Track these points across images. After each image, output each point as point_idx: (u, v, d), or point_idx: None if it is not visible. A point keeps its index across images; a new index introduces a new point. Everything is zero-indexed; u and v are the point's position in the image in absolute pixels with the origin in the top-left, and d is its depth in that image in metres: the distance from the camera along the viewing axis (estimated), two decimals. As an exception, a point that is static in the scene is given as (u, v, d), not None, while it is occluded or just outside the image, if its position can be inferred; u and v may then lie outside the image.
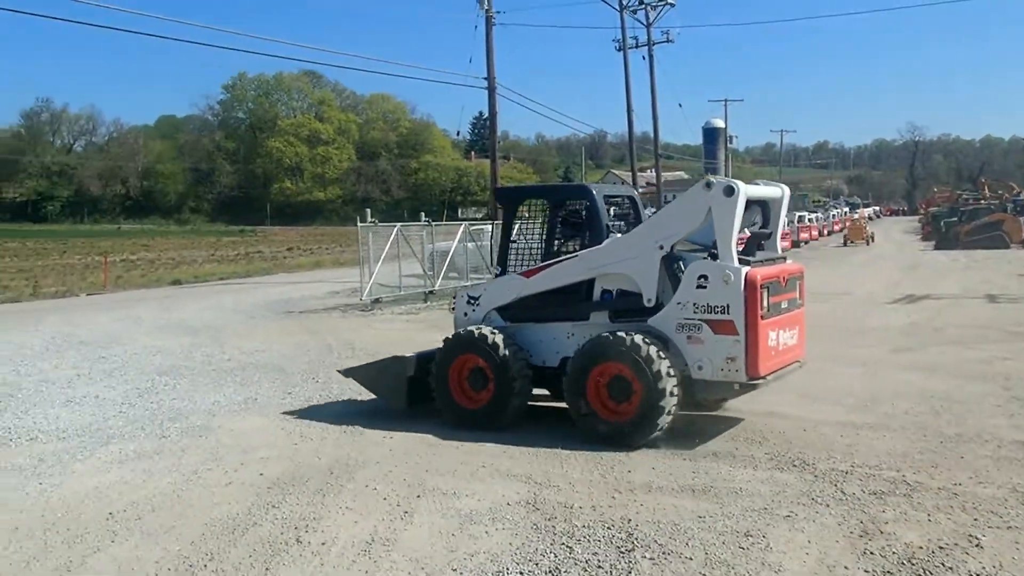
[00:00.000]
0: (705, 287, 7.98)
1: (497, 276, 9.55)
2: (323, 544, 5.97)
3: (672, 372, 7.92)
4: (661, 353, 7.94)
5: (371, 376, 10.04)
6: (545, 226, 9.39)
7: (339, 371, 10.89)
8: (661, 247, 8.32)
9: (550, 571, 5.44)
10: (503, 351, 8.74)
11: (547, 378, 9.12)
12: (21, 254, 52.77)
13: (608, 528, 6.08)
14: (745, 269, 7.94)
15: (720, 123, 75.31)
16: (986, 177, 74.63)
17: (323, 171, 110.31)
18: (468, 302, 9.55)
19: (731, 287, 7.87)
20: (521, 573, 5.42)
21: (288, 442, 8.72)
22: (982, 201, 56.35)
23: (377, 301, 22.66)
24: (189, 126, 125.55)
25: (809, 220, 56.87)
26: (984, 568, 5.28)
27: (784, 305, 8.49)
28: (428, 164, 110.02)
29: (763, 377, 8.05)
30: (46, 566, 5.71)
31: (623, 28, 43.37)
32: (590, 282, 8.79)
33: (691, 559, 5.54)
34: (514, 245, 9.58)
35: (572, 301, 8.88)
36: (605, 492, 6.87)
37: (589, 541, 5.88)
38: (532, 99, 65.64)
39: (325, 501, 6.85)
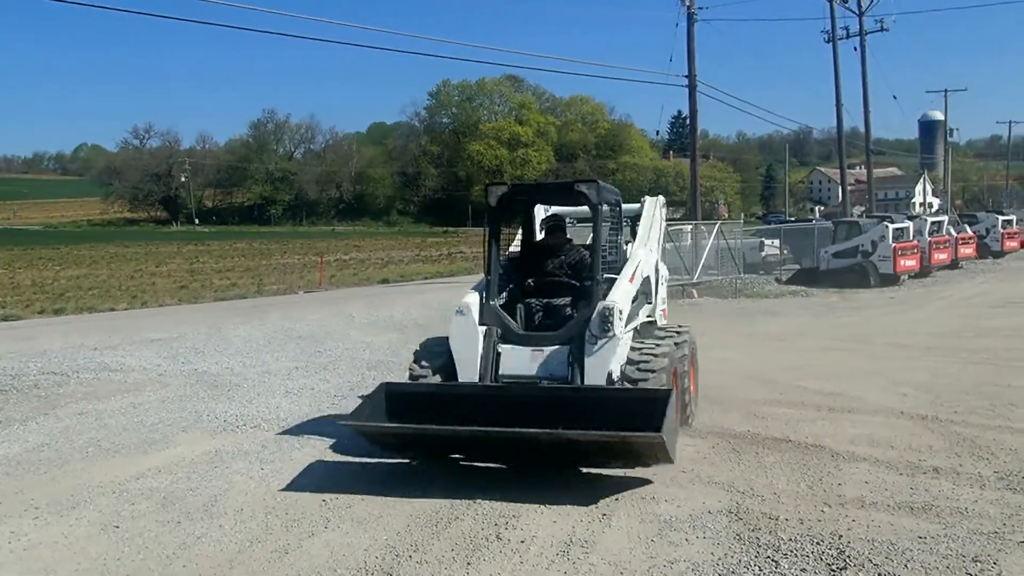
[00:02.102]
0: None
1: None
2: (522, 542, 6.03)
3: None
4: None
5: None
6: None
7: None
8: None
9: (754, 585, 5.22)
10: None
11: None
12: (248, 254, 57.27)
13: (817, 544, 5.76)
14: None
15: (939, 115, 70.39)
16: None
17: (522, 173, 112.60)
18: None
19: None
20: (723, 585, 5.24)
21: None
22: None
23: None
24: (397, 132, 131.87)
25: (1017, 224, 48.47)
26: None
27: None
28: (626, 164, 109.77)
29: None
30: (266, 547, 6.11)
31: (832, 18, 41.19)
32: None
33: (912, 584, 5.15)
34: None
35: None
36: (813, 505, 6.53)
37: (796, 556, 5.60)
38: (733, 95, 64.03)
39: (523, 499, 6.91)
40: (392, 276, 36.35)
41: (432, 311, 22.05)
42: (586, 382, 7.76)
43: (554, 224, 9.13)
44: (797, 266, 31.58)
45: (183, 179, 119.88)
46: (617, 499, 6.80)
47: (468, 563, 5.71)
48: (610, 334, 7.82)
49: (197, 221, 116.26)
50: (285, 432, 9.44)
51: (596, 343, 7.85)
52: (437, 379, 8.25)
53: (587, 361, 7.83)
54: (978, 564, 5.36)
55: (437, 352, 8.50)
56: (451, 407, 7.54)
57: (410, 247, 64.26)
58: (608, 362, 7.84)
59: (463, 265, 43.60)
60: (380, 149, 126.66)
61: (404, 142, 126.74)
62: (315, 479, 7.63)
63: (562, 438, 6.88)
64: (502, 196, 8.63)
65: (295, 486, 7.46)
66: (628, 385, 7.80)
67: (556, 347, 8.04)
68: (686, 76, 31.94)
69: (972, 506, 6.41)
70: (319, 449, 8.67)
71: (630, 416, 6.91)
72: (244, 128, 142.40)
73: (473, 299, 8.32)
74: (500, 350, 8.14)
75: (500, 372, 8.07)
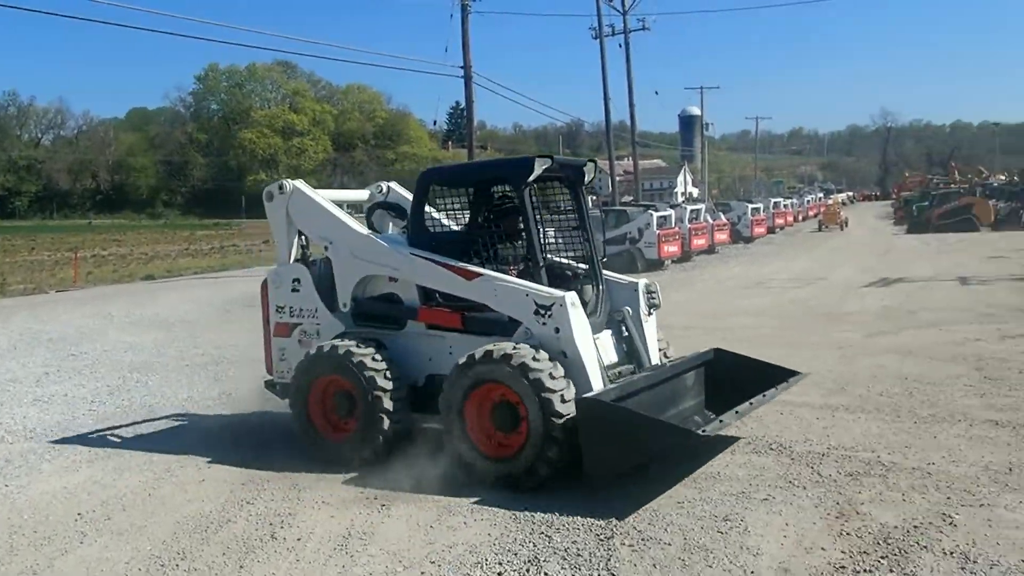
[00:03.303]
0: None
1: None
2: (299, 540, 5.89)
3: None
4: None
5: None
6: None
7: None
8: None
9: (529, 560, 5.40)
10: None
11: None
12: (-11, 251, 51.97)
13: (588, 516, 6.04)
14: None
15: (696, 111, 75.73)
16: (956, 162, 75.17)
17: (298, 163, 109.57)
18: None
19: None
20: (500, 563, 5.38)
21: (264, 436, 8.60)
22: (952, 185, 56.80)
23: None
24: (161, 118, 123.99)
25: (784, 206, 56.97)
26: (958, 545, 5.31)
27: None
28: (405, 155, 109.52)
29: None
30: (11, 570, 5.59)
31: (599, 15, 43.26)
32: None
33: (670, 544, 5.52)
34: None
35: None
36: (583, 481, 6.82)
37: (568, 529, 5.85)
38: (509, 88, 65.59)
39: (301, 496, 6.76)
40: (158, 272, 34.21)
41: (202, 307, 21.03)
42: (650, 361, 7.74)
43: (513, 207, 7.88)
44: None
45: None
46: (397, 489, 6.79)
47: (241, 566, 5.51)
48: (658, 306, 8.11)
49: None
50: (33, 443, 8.66)
51: (648, 320, 8.00)
52: None
53: (647, 339, 7.88)
54: (728, 522, 5.83)
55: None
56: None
57: (178, 241, 60.85)
58: (655, 336, 8.04)
59: (237, 259, 41.88)
60: (141, 136, 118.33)
61: (168, 129, 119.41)
62: (69, 492, 7.07)
63: None
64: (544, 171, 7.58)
65: (44, 501, 6.87)
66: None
67: (604, 332, 7.60)
68: (462, 67, 32.38)
69: (724, 470, 6.96)
70: (73, 460, 8.04)
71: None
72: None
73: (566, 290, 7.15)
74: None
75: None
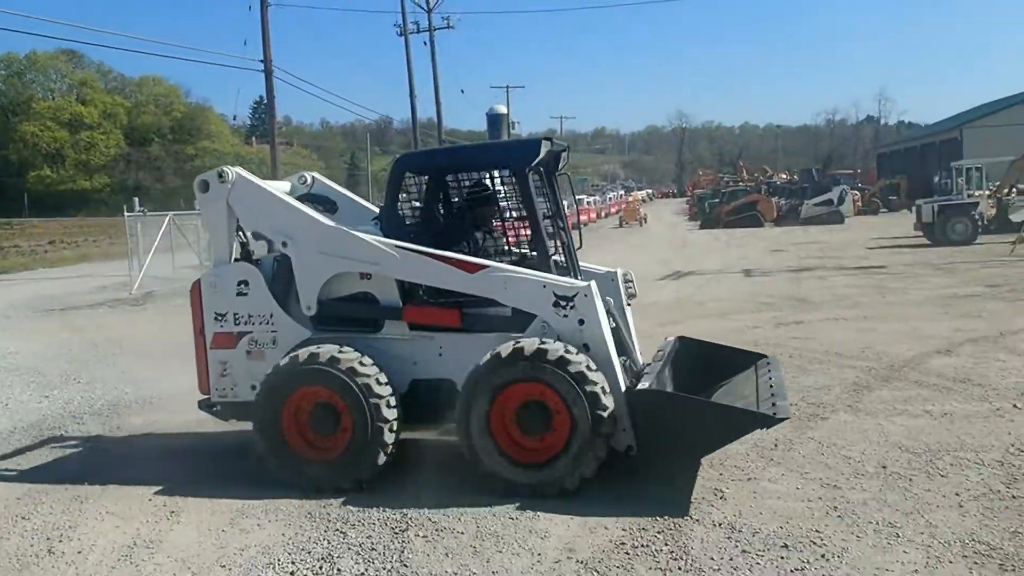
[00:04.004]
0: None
1: None
2: (79, 552, 5.62)
3: None
4: None
5: None
6: None
7: None
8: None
9: (323, 557, 5.40)
10: None
11: None
12: None
13: (383, 511, 6.09)
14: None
15: (503, 109, 76.59)
16: (744, 161, 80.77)
17: (88, 158, 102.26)
18: None
19: None
20: (293, 563, 5.34)
21: (44, 448, 8.09)
22: (740, 183, 61.01)
23: (149, 295, 21.42)
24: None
25: (588, 203, 59.28)
26: (726, 517, 5.77)
27: None
28: (206, 150, 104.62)
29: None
30: None
31: (403, 12, 43.30)
32: None
33: (463, 533, 5.67)
34: None
35: None
36: (383, 477, 6.86)
37: (364, 525, 5.89)
38: (314, 84, 64.38)
39: (84, 508, 6.43)
40: (-76, 276, 31.14)
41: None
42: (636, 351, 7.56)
43: (487, 195, 7.57)
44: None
45: None
46: (188, 495, 6.58)
47: (12, 586, 5.18)
48: (635, 295, 8.07)
49: None
50: None
51: (627, 310, 7.84)
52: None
53: (632, 329, 7.72)
54: (520, 509, 6.04)
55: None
56: None
57: (-52, 242, 55.41)
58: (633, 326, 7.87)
59: (19, 260, 38.79)
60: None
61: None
62: None
63: None
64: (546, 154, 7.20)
65: None
66: None
67: None
68: (262, 61, 31.47)
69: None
70: None
71: None
72: None
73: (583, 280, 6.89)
74: None
75: None
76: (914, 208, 32.03)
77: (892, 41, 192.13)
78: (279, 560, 5.38)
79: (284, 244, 6.98)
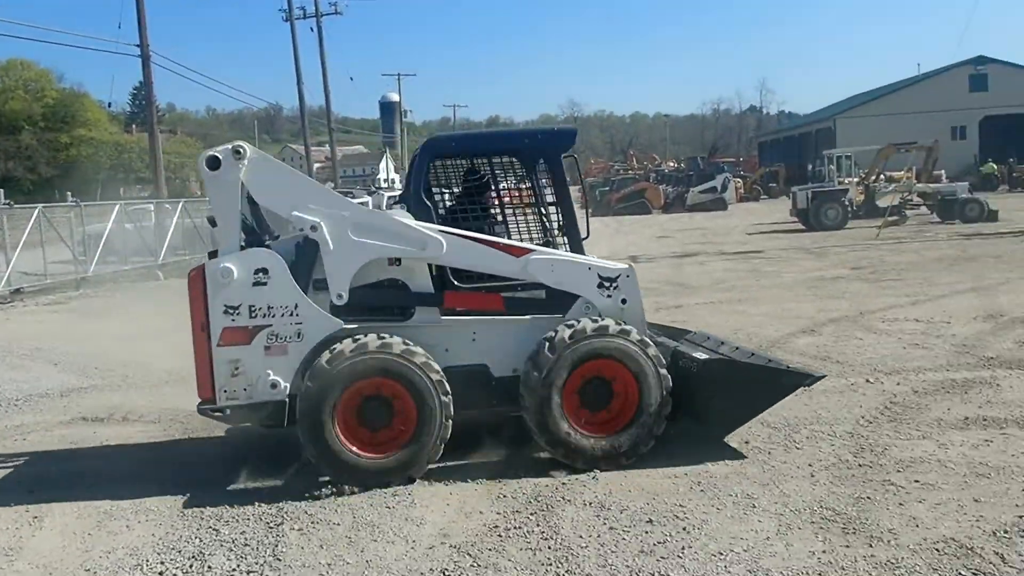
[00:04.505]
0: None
1: None
2: (-70, 566, 5.38)
3: None
4: None
5: None
6: None
7: None
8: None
9: (193, 556, 5.33)
10: None
11: None
12: None
13: (259, 506, 6.05)
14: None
15: (395, 97, 76.26)
16: (633, 150, 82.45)
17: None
18: None
19: None
20: (162, 563, 5.26)
21: None
22: (630, 172, 62.31)
23: (18, 291, 20.44)
24: None
25: None
26: (596, 496, 5.97)
27: None
28: (82, 138, 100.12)
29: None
30: None
31: (289, -2, 42.39)
32: None
33: (339, 524, 5.70)
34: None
35: None
36: (258, 471, 6.82)
37: (237, 521, 5.84)
38: (197, 71, 62.24)
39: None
40: None
41: None
42: None
43: (485, 183, 7.62)
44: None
45: None
46: (52, 501, 6.37)
47: None
48: None
49: None
50: None
51: None
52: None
53: None
54: (396, 497, 6.09)
55: None
56: None
57: None
58: None
59: None
60: None
61: None
62: None
63: None
64: None
65: None
66: None
67: None
68: (138, 45, 30.33)
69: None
70: None
71: None
72: None
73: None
74: None
75: None
76: (791, 195, 33.44)
77: (773, 34, 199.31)
78: (147, 561, 5.28)
79: (314, 228, 6.50)
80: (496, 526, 5.56)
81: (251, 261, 6.42)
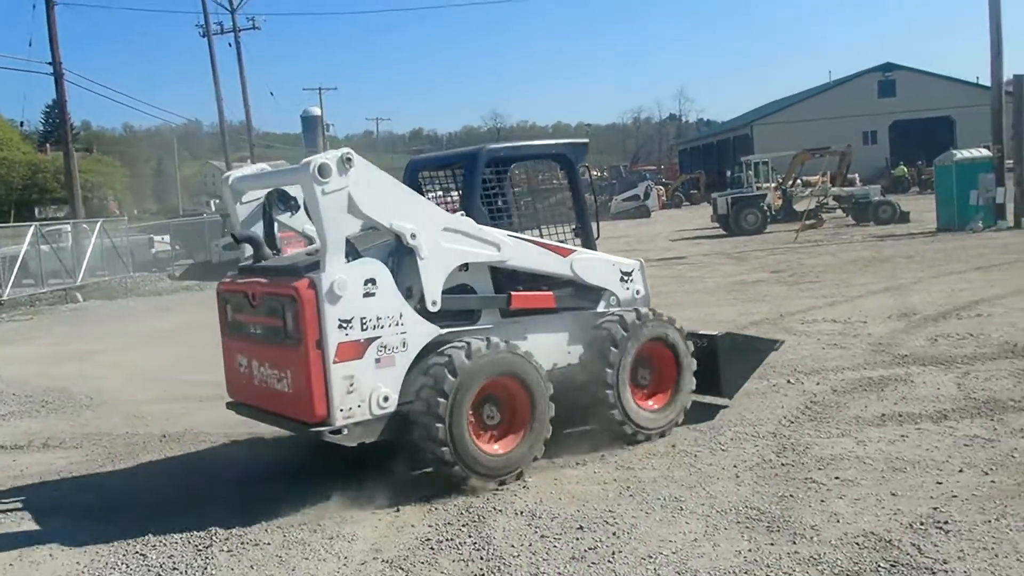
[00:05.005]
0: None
1: None
2: None
3: None
4: None
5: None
6: None
7: None
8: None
9: (120, 584, 5.23)
10: None
11: None
12: None
13: (185, 529, 5.95)
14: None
15: (317, 111, 75.21)
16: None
17: None
18: None
19: None
20: (87, 593, 5.15)
21: None
22: (555, 182, 62.76)
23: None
24: None
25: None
26: (527, 505, 6.04)
27: (253, 330, 6.75)
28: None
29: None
30: None
31: (205, 12, 41.85)
32: None
33: (269, 544, 5.64)
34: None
35: None
36: (185, 492, 6.71)
37: (165, 545, 5.73)
38: (112, 88, 60.68)
39: None
40: None
41: None
42: None
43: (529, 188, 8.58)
44: (191, 260, 31.52)
45: None
46: (-30, 532, 6.18)
47: None
48: None
49: None
50: None
51: None
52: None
53: None
54: (327, 516, 6.07)
55: None
56: None
57: None
58: None
59: None
60: None
61: None
62: None
63: None
64: None
65: None
66: None
67: None
68: (51, 63, 29.49)
69: (322, 467, 7.18)
70: None
71: None
72: None
73: None
74: None
75: None
76: (711, 201, 34.16)
77: (689, 43, 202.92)
78: (72, 590, 5.17)
79: (413, 236, 6.43)
80: (428, 539, 5.58)
81: (360, 272, 6.23)
